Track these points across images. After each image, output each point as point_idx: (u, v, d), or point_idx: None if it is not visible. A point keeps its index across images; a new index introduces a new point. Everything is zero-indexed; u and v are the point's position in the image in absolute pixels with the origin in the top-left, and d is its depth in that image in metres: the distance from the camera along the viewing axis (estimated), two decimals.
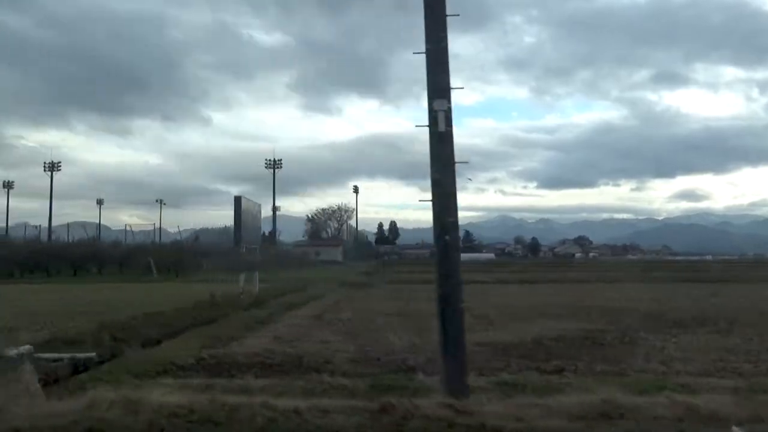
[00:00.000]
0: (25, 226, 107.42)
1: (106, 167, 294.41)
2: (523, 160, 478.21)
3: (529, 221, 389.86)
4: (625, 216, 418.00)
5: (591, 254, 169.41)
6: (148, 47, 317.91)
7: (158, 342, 13.42)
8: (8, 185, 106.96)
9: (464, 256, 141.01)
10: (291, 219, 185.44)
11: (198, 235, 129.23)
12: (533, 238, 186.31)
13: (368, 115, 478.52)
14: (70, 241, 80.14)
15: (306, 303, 24.30)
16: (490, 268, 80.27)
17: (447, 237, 6.27)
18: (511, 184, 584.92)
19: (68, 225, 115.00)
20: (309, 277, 51.91)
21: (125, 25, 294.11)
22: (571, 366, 9.56)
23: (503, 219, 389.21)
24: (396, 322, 16.98)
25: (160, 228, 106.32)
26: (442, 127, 6.30)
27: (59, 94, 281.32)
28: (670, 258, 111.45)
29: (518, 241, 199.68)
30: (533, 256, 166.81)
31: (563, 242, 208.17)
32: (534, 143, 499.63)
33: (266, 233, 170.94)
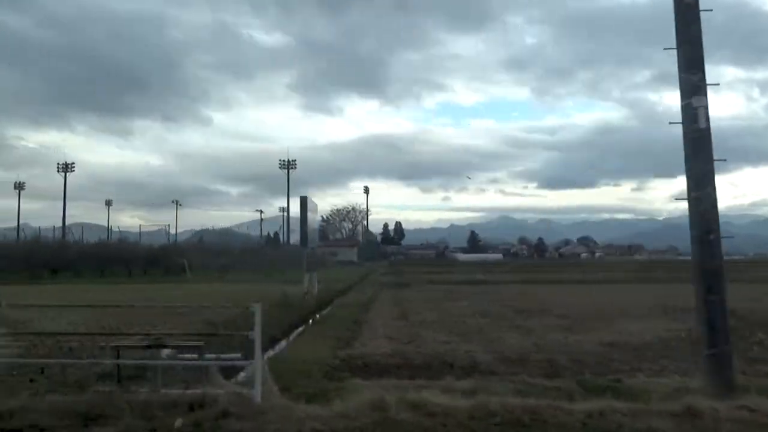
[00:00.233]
0: (22, 227, 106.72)
1: (106, 168, 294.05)
2: (524, 161, 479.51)
3: (530, 221, 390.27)
4: (625, 216, 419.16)
5: (597, 254, 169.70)
6: (148, 47, 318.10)
7: (276, 341, 13.33)
8: (19, 186, 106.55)
9: (473, 256, 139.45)
10: (295, 220, 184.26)
11: (202, 235, 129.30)
12: (539, 239, 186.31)
13: (368, 115, 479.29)
14: (75, 241, 79.94)
15: (371, 303, 24.25)
16: (510, 269, 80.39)
17: (711, 235, 6.17)
18: (512, 184, 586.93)
19: (70, 226, 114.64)
20: (340, 278, 51.73)
21: (125, 25, 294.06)
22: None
23: (504, 219, 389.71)
24: (488, 323, 16.92)
25: (176, 228, 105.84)
26: (702, 123, 6.20)
27: (59, 94, 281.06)
28: (683, 258, 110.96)
29: (523, 241, 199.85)
30: (539, 257, 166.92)
31: (566, 243, 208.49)
32: (535, 143, 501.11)
33: (271, 234, 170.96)
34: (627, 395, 6.60)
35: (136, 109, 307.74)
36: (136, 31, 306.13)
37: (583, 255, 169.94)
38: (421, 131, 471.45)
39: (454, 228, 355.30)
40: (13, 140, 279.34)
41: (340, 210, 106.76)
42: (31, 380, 7.86)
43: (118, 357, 7.28)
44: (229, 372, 7.40)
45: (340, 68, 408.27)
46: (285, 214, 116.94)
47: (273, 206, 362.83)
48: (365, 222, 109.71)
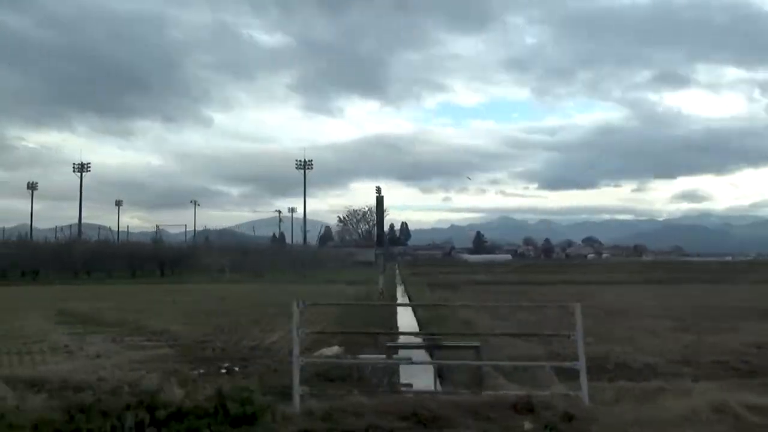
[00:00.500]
0: (21, 228, 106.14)
1: (107, 168, 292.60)
2: (524, 161, 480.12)
3: (530, 222, 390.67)
4: (626, 217, 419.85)
5: (604, 255, 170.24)
6: (148, 47, 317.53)
7: None
8: (32, 186, 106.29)
9: (481, 257, 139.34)
10: (296, 221, 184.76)
11: (207, 236, 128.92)
12: (546, 240, 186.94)
13: (369, 115, 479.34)
14: (104, 241, 79.87)
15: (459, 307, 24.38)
16: (531, 270, 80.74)
17: None
18: (512, 185, 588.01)
19: (71, 227, 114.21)
20: (367, 279, 51.90)
21: (125, 26, 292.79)
22: None
23: (504, 220, 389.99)
24: (595, 324, 17.10)
25: (194, 229, 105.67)
26: None
27: (60, 94, 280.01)
28: (696, 260, 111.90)
29: (528, 242, 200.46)
30: (546, 258, 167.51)
31: (569, 244, 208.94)
32: (535, 144, 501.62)
33: (276, 235, 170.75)
34: None
35: (137, 109, 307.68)
36: (137, 31, 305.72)
37: (590, 256, 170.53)
38: (421, 132, 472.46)
39: (454, 228, 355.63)
40: (14, 140, 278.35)
41: (356, 211, 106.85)
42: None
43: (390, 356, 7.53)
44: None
45: (341, 69, 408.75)
46: (293, 214, 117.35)
47: (273, 206, 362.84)
48: (390, 223, 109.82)
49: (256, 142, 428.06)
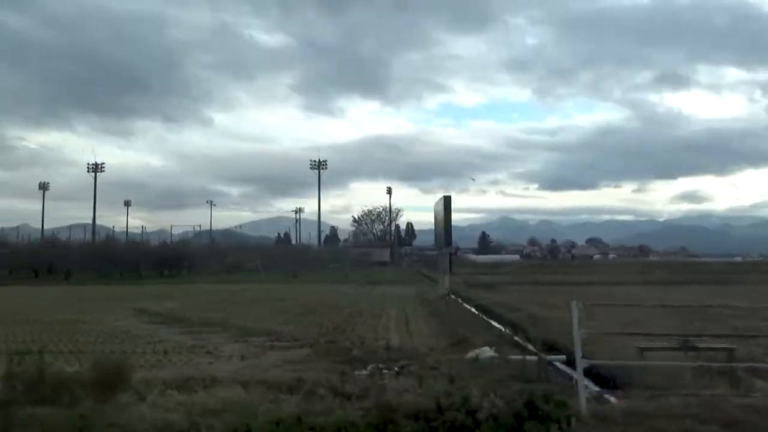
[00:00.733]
0: (22, 228, 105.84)
1: (107, 168, 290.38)
2: (525, 162, 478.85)
3: (531, 223, 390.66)
4: (626, 217, 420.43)
5: (610, 256, 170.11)
6: (148, 47, 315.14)
7: None
8: (44, 186, 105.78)
9: (489, 257, 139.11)
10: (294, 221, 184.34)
11: (214, 236, 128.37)
12: (552, 240, 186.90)
13: (369, 116, 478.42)
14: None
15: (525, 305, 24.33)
16: (550, 271, 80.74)
17: None
18: (513, 185, 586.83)
19: (71, 227, 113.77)
20: (405, 279, 51.90)
21: (125, 25, 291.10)
22: None
23: (505, 220, 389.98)
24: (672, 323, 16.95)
25: (210, 229, 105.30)
26: None
27: (60, 94, 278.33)
28: (708, 260, 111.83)
29: (533, 242, 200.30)
30: (552, 258, 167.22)
31: (572, 244, 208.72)
32: (535, 144, 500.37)
33: (281, 235, 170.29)
34: None
35: (137, 109, 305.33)
36: (137, 31, 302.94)
37: (596, 256, 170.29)
38: (421, 132, 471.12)
39: (455, 229, 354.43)
40: (14, 141, 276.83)
41: (371, 211, 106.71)
42: None
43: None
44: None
45: (341, 69, 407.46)
46: (300, 214, 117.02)
47: (273, 207, 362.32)
48: (396, 223, 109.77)
49: (256, 142, 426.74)
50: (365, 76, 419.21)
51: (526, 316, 18.12)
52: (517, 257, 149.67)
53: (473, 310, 22.04)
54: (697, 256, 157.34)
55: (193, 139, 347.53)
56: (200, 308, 22.77)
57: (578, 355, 6.50)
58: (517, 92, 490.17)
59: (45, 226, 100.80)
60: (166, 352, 12.69)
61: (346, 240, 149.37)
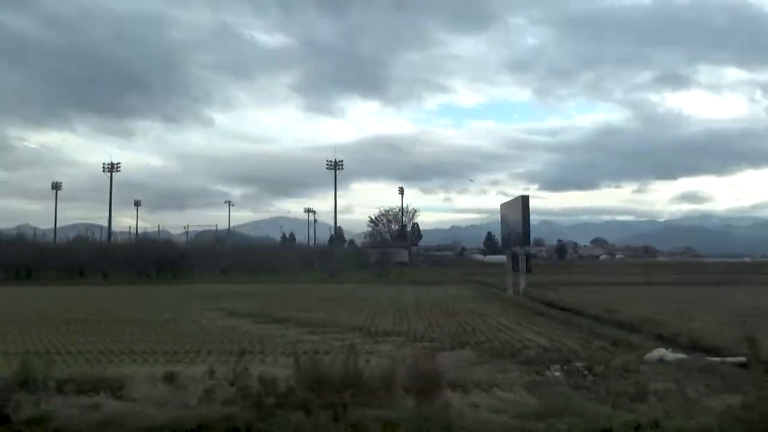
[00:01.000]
0: (21, 228, 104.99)
1: (107, 168, 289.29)
2: (525, 162, 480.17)
3: (531, 223, 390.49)
4: (626, 218, 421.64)
5: (618, 256, 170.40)
6: (148, 47, 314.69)
7: None
8: (56, 186, 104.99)
9: (498, 257, 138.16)
10: (297, 221, 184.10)
11: (219, 236, 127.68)
12: (559, 240, 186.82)
13: (370, 116, 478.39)
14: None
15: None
16: (576, 271, 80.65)
17: None
18: (513, 185, 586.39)
19: (71, 227, 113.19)
20: (439, 280, 51.70)
21: (125, 25, 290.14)
22: None
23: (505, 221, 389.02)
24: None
25: (229, 228, 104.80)
26: None
27: (60, 95, 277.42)
28: (718, 260, 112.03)
29: (538, 243, 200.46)
30: (559, 258, 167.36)
31: (575, 245, 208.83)
32: (536, 145, 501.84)
33: (286, 236, 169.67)
34: None
35: (138, 109, 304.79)
36: (137, 31, 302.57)
37: (602, 257, 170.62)
38: (422, 132, 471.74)
39: (455, 229, 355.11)
40: (14, 141, 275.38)
41: (387, 211, 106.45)
42: None
43: None
44: None
45: (342, 69, 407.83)
46: (311, 215, 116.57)
47: (273, 207, 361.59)
48: (412, 223, 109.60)
49: (256, 142, 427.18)
50: (365, 77, 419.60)
51: (633, 317, 17.87)
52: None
53: (564, 310, 21.73)
54: (701, 256, 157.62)
55: (193, 139, 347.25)
56: (285, 308, 22.53)
57: None
58: (517, 92, 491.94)
59: (45, 227, 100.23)
60: (326, 352, 12.48)
61: (351, 241, 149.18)
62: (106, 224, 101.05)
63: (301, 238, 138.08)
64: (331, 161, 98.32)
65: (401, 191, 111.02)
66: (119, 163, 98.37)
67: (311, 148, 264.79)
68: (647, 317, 17.56)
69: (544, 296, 26.58)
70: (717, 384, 8.53)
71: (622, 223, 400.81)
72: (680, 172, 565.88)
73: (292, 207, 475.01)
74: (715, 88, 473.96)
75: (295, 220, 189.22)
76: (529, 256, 29.49)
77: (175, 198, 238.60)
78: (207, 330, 16.73)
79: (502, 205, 33.60)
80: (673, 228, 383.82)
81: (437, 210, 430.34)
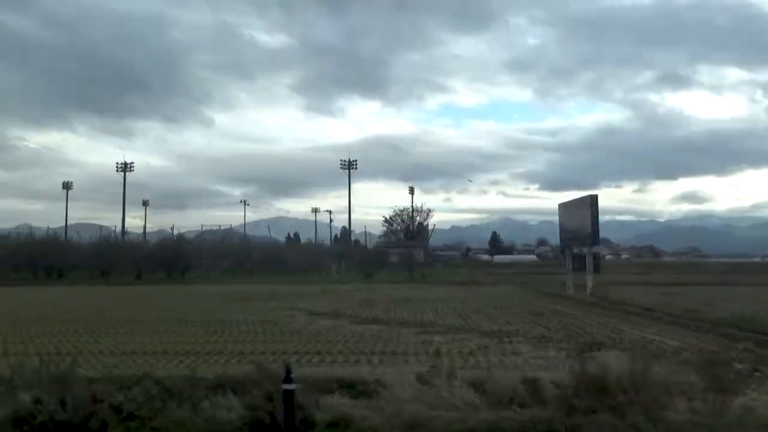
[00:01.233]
0: (21, 228, 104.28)
1: (107, 168, 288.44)
2: (525, 162, 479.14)
3: (531, 223, 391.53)
4: (626, 218, 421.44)
5: (624, 256, 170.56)
6: (148, 48, 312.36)
7: None
8: (67, 186, 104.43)
9: (508, 257, 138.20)
10: (296, 221, 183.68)
11: (223, 236, 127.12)
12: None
13: (370, 116, 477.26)
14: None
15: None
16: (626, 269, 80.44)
17: None
18: (513, 185, 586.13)
19: (72, 226, 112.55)
20: (463, 280, 51.60)
21: (125, 25, 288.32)
22: None
23: (505, 221, 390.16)
24: None
25: (244, 227, 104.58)
26: None
27: (60, 95, 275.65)
28: (726, 260, 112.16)
29: (542, 242, 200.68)
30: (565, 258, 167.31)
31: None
32: (536, 145, 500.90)
33: (290, 235, 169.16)
34: None
35: (138, 109, 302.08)
36: (137, 31, 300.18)
37: (608, 257, 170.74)
38: (422, 132, 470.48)
39: (455, 229, 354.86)
40: (15, 141, 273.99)
41: (402, 211, 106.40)
42: None
43: None
44: None
45: (342, 69, 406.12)
46: (317, 214, 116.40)
47: (273, 207, 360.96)
48: (428, 222, 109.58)
49: (257, 142, 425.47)
50: (366, 77, 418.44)
51: (738, 317, 17.59)
52: (533, 257, 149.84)
53: (649, 310, 21.46)
54: (706, 256, 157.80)
55: (193, 139, 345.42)
56: (362, 309, 22.36)
57: None
58: (517, 92, 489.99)
59: (44, 226, 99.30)
60: (471, 353, 12.37)
61: (356, 241, 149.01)
62: (106, 224, 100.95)
63: (303, 238, 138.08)
64: (344, 161, 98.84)
65: (411, 191, 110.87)
66: (132, 163, 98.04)
67: (311, 148, 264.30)
68: (747, 316, 17.42)
69: (618, 296, 26.16)
70: None
71: (623, 223, 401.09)
72: (680, 172, 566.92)
73: (293, 207, 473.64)
74: (715, 88, 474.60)
75: (295, 220, 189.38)
76: (596, 256, 29.45)
77: (176, 198, 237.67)
78: (317, 331, 16.57)
79: (560, 205, 33.50)
80: (674, 228, 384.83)
81: (437, 210, 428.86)
